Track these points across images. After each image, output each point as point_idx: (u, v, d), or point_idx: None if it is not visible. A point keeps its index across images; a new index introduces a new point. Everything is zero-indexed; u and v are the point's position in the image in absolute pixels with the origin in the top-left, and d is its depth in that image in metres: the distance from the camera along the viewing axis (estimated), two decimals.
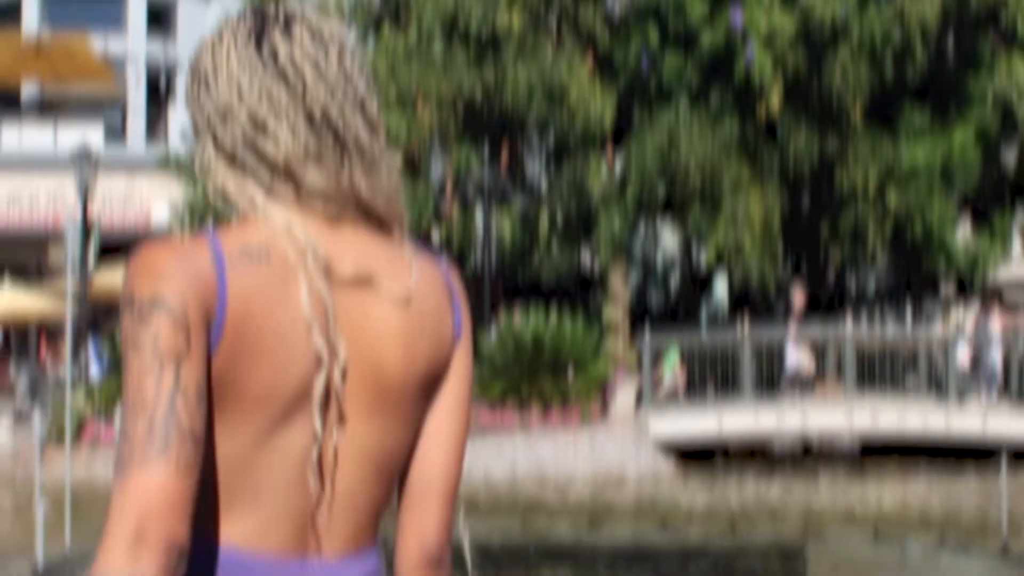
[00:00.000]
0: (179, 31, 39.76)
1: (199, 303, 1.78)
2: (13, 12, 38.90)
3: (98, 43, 35.51)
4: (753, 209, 24.70)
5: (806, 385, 24.08)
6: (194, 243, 1.83)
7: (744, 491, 19.44)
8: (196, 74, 1.95)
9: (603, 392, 23.57)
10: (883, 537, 13.81)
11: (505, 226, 25.43)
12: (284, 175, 1.89)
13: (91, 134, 30.49)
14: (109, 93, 37.68)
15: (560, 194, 25.41)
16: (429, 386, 1.95)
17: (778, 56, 24.73)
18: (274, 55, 1.89)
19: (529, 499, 17.92)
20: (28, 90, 38.83)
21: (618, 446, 21.91)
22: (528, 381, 22.54)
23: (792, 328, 25.17)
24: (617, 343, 24.26)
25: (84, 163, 26.42)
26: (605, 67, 26.89)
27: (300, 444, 1.85)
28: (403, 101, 25.86)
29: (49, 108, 37.71)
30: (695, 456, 22.48)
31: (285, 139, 1.88)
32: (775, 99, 24.85)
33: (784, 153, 25.58)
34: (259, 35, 1.91)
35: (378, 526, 1.97)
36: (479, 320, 24.90)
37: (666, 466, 21.57)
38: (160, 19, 40.22)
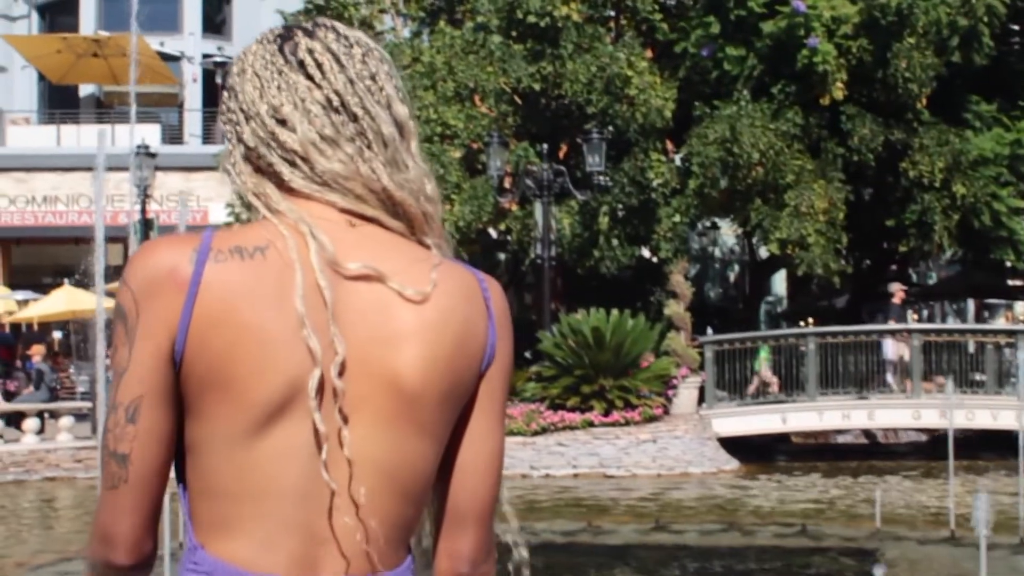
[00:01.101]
0: (234, 31, 39.86)
1: (157, 314, 1.81)
2: (70, 13, 39.08)
3: (154, 44, 35.55)
4: (817, 201, 24.29)
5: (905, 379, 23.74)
6: (181, 240, 1.85)
7: (811, 490, 19.10)
8: (228, 84, 2.00)
9: (666, 390, 23.27)
10: (961, 537, 13.40)
11: (564, 221, 25.16)
12: (301, 161, 1.91)
13: (148, 134, 30.45)
14: (166, 93, 37.76)
15: (620, 188, 25.10)
16: (452, 399, 1.91)
17: (842, 45, 24.32)
18: (294, 51, 1.94)
19: (592, 498, 17.64)
20: (86, 91, 39.02)
21: (681, 444, 21.63)
22: (589, 379, 22.25)
23: (892, 322, 25.00)
24: (679, 340, 23.91)
25: (143, 163, 26.42)
26: (665, 58, 26.60)
27: (297, 448, 1.82)
28: (460, 96, 25.65)
29: (106, 109, 37.83)
30: (759, 455, 22.19)
31: (302, 124, 1.90)
32: (839, 89, 24.46)
33: (848, 144, 25.15)
34: (284, 39, 1.96)
35: (403, 543, 1.92)
36: (538, 317, 24.66)
37: (730, 464, 21.26)
38: (215, 19, 40.31)
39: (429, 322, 1.87)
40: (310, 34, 1.96)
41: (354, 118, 1.92)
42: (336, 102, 1.91)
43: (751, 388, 23.89)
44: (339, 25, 2.01)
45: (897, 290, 26.27)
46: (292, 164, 1.92)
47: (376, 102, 1.94)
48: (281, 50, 1.95)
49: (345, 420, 1.83)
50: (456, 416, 1.94)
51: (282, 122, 1.91)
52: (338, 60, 1.93)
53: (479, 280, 1.97)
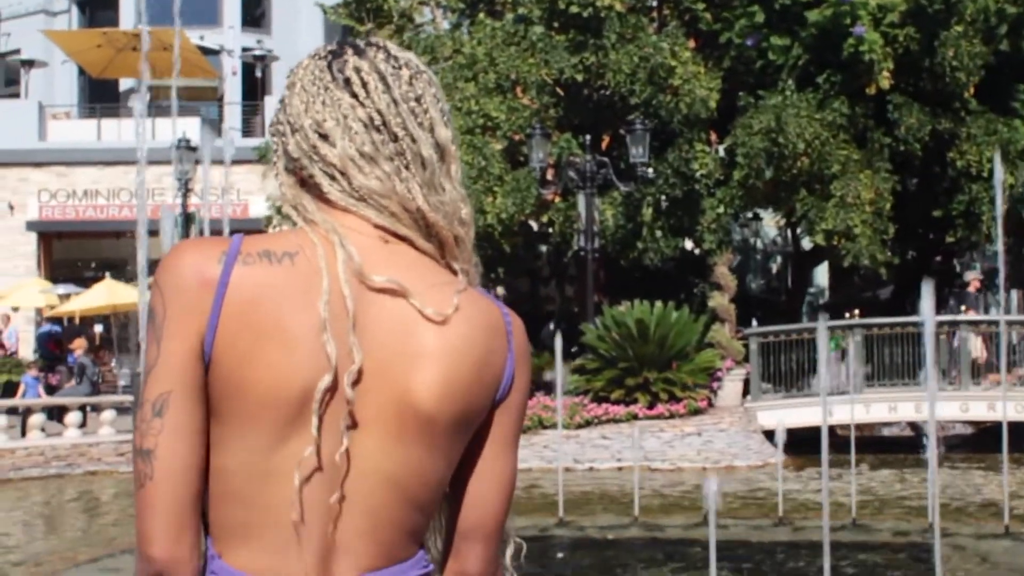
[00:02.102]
0: (274, 24, 39.82)
1: (184, 313, 1.84)
2: (110, 8, 39.12)
3: (194, 37, 35.52)
4: (863, 192, 24.00)
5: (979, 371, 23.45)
6: (210, 243, 1.89)
7: (858, 483, 18.83)
8: (281, 96, 2.04)
9: (710, 382, 23.04)
10: (1017, 532, 13.17)
11: (607, 213, 24.97)
12: (340, 175, 1.94)
13: (188, 128, 30.42)
14: (205, 87, 37.74)
15: (664, 179, 24.88)
16: (464, 424, 1.94)
17: (888, 33, 24.01)
18: (342, 68, 1.97)
19: (636, 492, 17.43)
20: (126, 85, 39.04)
21: (726, 437, 21.40)
22: (634, 371, 22.06)
23: (970, 312, 24.74)
24: (724, 332, 23.69)
25: (183, 156, 26.41)
26: (709, 47, 26.35)
27: (314, 458, 1.85)
28: (502, 88, 25.49)
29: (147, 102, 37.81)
30: (805, 447, 21.92)
31: (342, 140, 1.93)
32: (885, 78, 24.16)
33: (894, 133, 24.85)
34: (335, 56, 1.99)
35: (414, 542, 1.96)
36: (581, 309, 24.49)
37: (775, 457, 20.98)
38: (255, 13, 40.27)
39: (450, 346, 1.90)
40: (360, 53, 2.00)
41: (394, 138, 1.95)
42: (378, 121, 1.94)
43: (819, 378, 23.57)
44: (392, 46, 2.04)
45: (973, 279, 26.00)
46: (332, 178, 1.95)
47: (418, 124, 1.97)
48: (330, 67, 1.98)
49: (354, 427, 1.86)
50: (468, 439, 1.98)
51: (324, 136, 1.94)
52: (384, 80, 1.96)
53: (503, 314, 2.00)
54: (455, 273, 1.99)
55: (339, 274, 1.87)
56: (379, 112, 1.95)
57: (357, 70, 1.97)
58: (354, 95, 1.95)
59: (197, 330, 1.84)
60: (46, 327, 29.92)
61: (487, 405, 1.97)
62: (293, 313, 1.85)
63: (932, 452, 12.37)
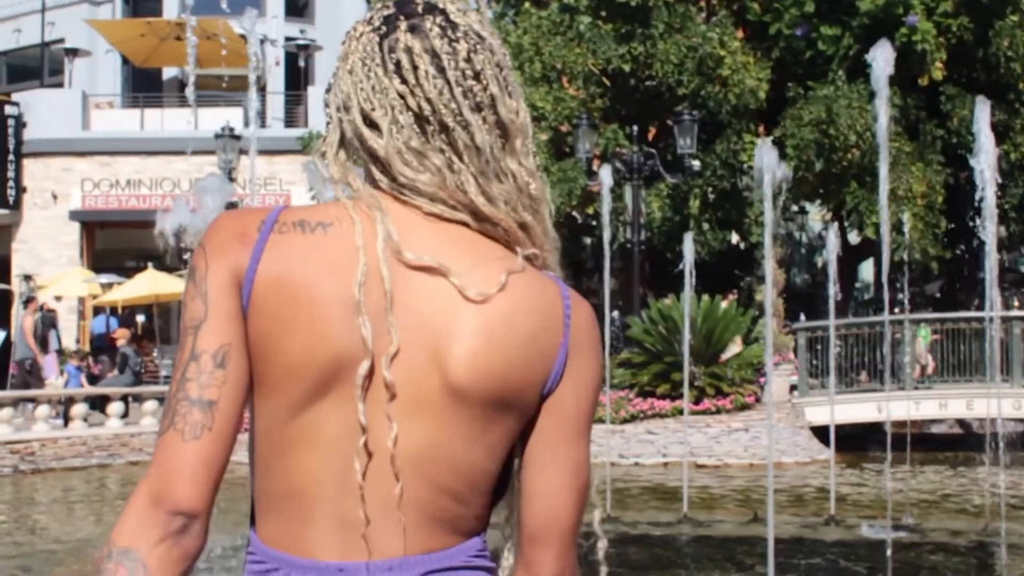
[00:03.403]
0: (317, 14, 39.77)
1: (226, 267, 1.83)
2: None
3: (237, 27, 35.47)
4: (915, 185, 23.64)
5: None
6: (253, 211, 1.89)
7: (908, 480, 18.55)
8: (336, 69, 1.97)
9: (758, 377, 22.76)
10: None
11: (654, 205, 24.71)
12: (384, 169, 1.89)
13: (231, 117, 30.39)
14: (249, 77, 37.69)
15: (712, 171, 24.59)
16: (501, 406, 1.86)
17: (941, 23, 23.63)
18: (392, 49, 1.87)
19: (683, 488, 17.21)
20: (169, 75, 39.07)
21: (774, 433, 21.10)
22: (680, 366, 21.78)
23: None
24: (772, 326, 23.39)
25: (227, 145, 26.37)
26: (758, 38, 26.01)
27: (334, 432, 1.83)
28: (548, 78, 25.27)
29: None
30: (851, 444, 21.63)
31: (389, 132, 1.86)
32: (938, 69, 23.80)
33: (947, 125, 24.47)
34: (387, 28, 1.89)
35: (444, 531, 1.89)
36: (625, 302, 24.24)
37: (823, 454, 20.70)
38: (298, 2, 40.23)
39: (487, 322, 1.83)
40: (414, 28, 1.89)
41: (445, 128, 1.87)
42: (428, 111, 1.86)
43: (916, 373, 23.28)
44: (451, 9, 1.92)
45: None
46: (379, 168, 1.91)
47: (476, 106, 1.88)
48: (381, 45, 1.89)
49: (392, 413, 1.82)
50: (513, 427, 1.90)
51: (372, 125, 1.89)
52: (438, 62, 1.87)
53: (563, 297, 1.92)
54: (515, 252, 1.91)
55: (377, 252, 1.83)
56: (429, 101, 1.86)
57: (408, 51, 1.87)
58: (404, 81, 1.86)
59: (239, 287, 1.83)
60: (101, 317, 29.92)
61: (533, 390, 1.88)
62: (321, 283, 1.82)
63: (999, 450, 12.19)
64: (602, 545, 2.18)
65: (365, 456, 1.83)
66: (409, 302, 1.84)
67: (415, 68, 1.86)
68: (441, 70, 1.86)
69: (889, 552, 11.51)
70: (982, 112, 14.28)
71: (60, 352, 25.51)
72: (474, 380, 1.83)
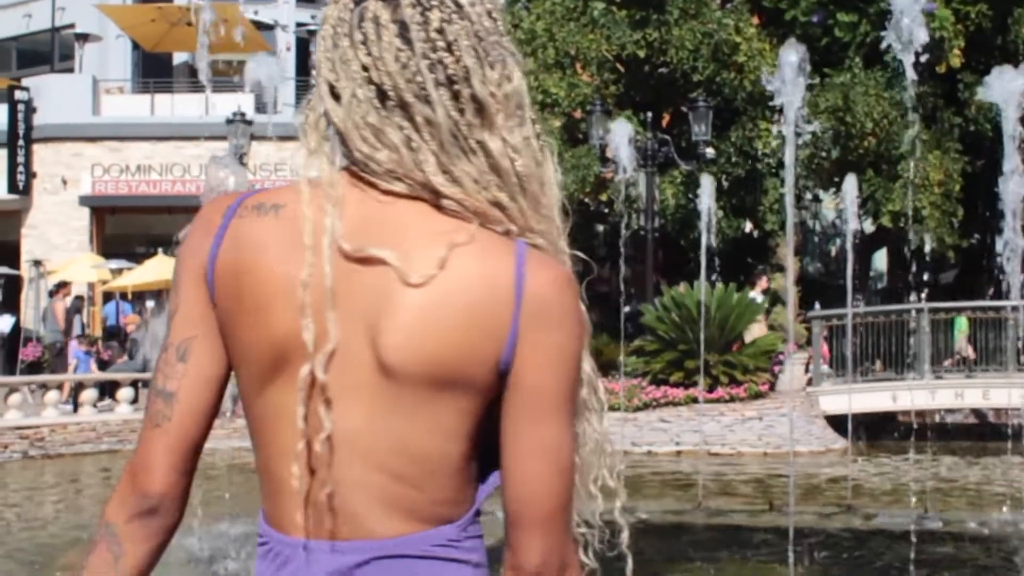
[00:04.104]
0: None
1: (196, 257, 1.89)
2: None
3: (248, 12, 35.33)
4: (932, 173, 23.45)
5: None
6: (223, 198, 1.91)
7: (924, 470, 18.41)
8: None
9: (772, 365, 22.60)
10: None
11: (667, 192, 24.54)
12: (344, 143, 1.87)
13: (242, 103, 30.27)
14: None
15: (726, 158, 24.41)
16: (441, 380, 1.80)
17: (960, 10, 23.43)
18: (361, 19, 1.84)
19: (697, 476, 17.09)
20: (180, 60, 38.97)
21: (788, 422, 20.97)
22: (693, 354, 21.63)
23: None
24: (786, 314, 23.21)
25: (239, 130, 26.27)
26: (774, 24, 25.80)
27: (288, 414, 1.84)
28: (561, 64, 25.10)
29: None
30: (868, 434, 21.49)
31: (345, 107, 1.84)
32: (956, 56, 23.59)
33: (964, 113, 24.27)
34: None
35: (403, 519, 1.85)
36: (638, 290, 24.09)
37: (838, 443, 20.56)
38: None
39: (422, 302, 1.80)
40: None
41: (403, 104, 1.82)
42: (388, 85, 1.82)
43: (948, 362, 23.12)
44: None
45: None
46: (341, 141, 1.89)
47: (443, 80, 1.81)
48: (353, 14, 1.85)
49: (328, 403, 1.82)
50: (469, 407, 1.84)
51: (337, 97, 1.86)
52: (405, 32, 1.81)
53: (517, 266, 1.83)
54: (467, 222, 1.85)
55: (323, 248, 1.81)
56: (389, 75, 1.81)
57: (375, 21, 1.83)
58: (369, 53, 1.83)
59: (204, 279, 1.88)
60: (112, 304, 29.87)
61: (481, 367, 1.82)
62: (268, 269, 1.84)
63: None
64: (625, 536, 2.08)
65: (303, 441, 1.84)
66: (352, 291, 1.82)
67: (379, 40, 1.82)
68: (408, 42, 1.81)
69: (913, 541, 11.39)
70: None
71: (82, 337, 25.46)
72: (406, 359, 1.80)
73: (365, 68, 1.83)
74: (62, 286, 28.75)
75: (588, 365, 1.98)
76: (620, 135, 21.79)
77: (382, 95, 1.82)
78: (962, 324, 23.27)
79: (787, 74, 12.50)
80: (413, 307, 1.80)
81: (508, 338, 1.81)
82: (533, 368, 1.83)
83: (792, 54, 13.09)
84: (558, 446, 1.85)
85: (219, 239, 1.87)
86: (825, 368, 23.07)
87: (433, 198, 1.84)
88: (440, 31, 1.82)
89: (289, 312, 1.82)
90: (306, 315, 1.80)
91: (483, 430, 1.89)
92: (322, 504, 1.85)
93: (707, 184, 22.03)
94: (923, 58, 18.59)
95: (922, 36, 13.98)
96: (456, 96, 1.82)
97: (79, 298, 29.08)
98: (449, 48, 1.82)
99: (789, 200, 12.42)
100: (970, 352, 23.19)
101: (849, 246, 19.71)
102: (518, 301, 1.81)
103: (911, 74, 13.19)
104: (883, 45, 17.34)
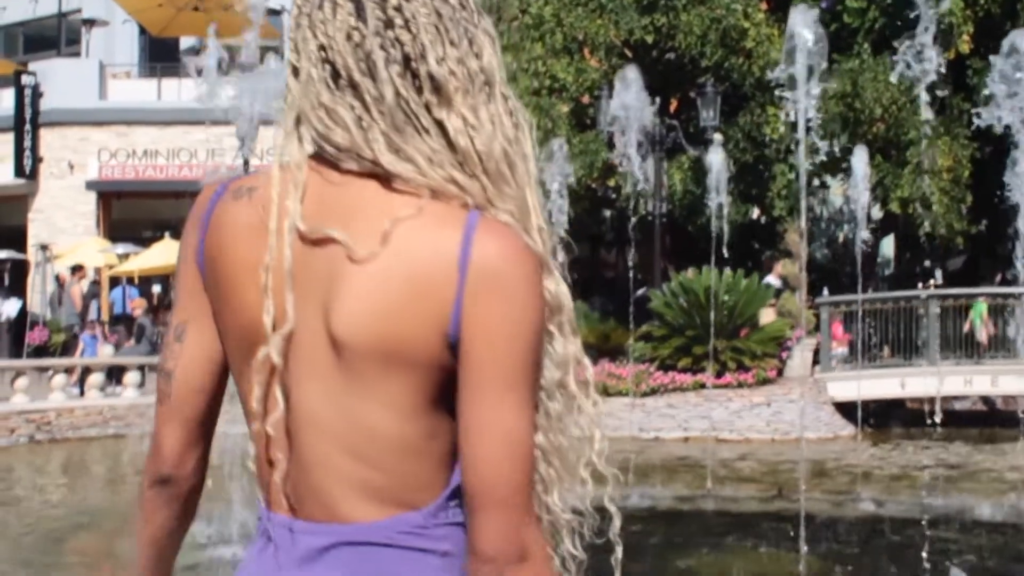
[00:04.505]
0: None
1: (189, 242, 1.96)
2: None
3: None
4: (941, 159, 23.35)
5: None
6: (214, 183, 1.97)
7: (934, 457, 18.38)
8: None
9: (780, 351, 22.54)
10: None
11: (675, 177, 24.46)
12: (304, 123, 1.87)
13: None
14: (268, 47, 37.48)
15: (734, 143, 24.32)
16: (389, 353, 1.79)
17: None
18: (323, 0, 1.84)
19: (705, 463, 17.05)
20: (186, 45, 38.91)
21: (796, 408, 20.92)
22: (701, 339, 21.58)
23: None
24: (794, 300, 23.16)
25: (245, 116, 26.17)
26: (783, 9, 25.66)
27: (253, 395, 1.88)
28: (569, 49, 25.01)
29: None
30: (875, 420, 21.44)
31: (300, 87, 1.85)
32: (965, 42, 23.48)
33: (974, 99, 24.15)
34: None
35: (368, 501, 1.83)
36: (645, 275, 24.02)
37: (846, 430, 20.51)
38: None
39: (366, 277, 1.80)
40: None
41: (353, 83, 1.82)
42: (340, 64, 1.82)
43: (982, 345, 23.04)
44: None
45: None
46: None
47: (399, 59, 1.81)
48: None
49: (284, 385, 1.85)
50: (419, 383, 1.81)
51: (295, 74, 1.89)
52: (360, 12, 1.82)
53: (464, 237, 1.79)
54: (417, 196, 1.84)
55: (284, 229, 1.84)
56: (340, 54, 1.82)
57: (334, 1, 1.84)
58: (325, 33, 1.83)
59: (196, 263, 1.95)
60: (119, 288, 29.85)
61: (426, 341, 1.78)
62: (239, 252, 1.88)
63: None
64: (616, 523, 2.03)
65: (258, 422, 1.89)
66: (309, 272, 1.83)
67: (334, 18, 1.82)
68: (363, 20, 1.81)
69: (923, 527, 11.35)
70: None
71: (98, 322, 25.43)
72: (354, 336, 1.79)
73: (321, 48, 1.83)
74: (78, 269, 28.79)
75: (569, 346, 1.93)
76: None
77: (335, 74, 1.83)
78: (981, 310, 23.16)
79: (797, 22, 12.36)
80: (359, 283, 1.80)
81: (453, 310, 1.78)
82: (480, 342, 1.78)
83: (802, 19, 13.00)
84: (509, 427, 1.78)
85: (206, 224, 1.93)
86: (843, 351, 22.94)
87: (387, 176, 1.83)
88: (398, 8, 1.81)
89: (255, 295, 1.86)
90: (267, 297, 1.84)
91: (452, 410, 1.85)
92: (297, 485, 1.87)
93: (717, 162, 21.93)
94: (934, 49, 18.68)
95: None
96: (415, 74, 1.81)
97: (95, 283, 29.10)
98: (407, 26, 1.81)
99: (802, 162, 12.32)
100: (990, 332, 23.07)
101: (861, 215, 19.56)
102: (463, 272, 1.77)
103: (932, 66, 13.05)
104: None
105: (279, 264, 1.84)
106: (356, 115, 1.82)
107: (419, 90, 1.82)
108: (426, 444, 1.85)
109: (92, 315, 26.29)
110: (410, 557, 1.84)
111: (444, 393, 1.84)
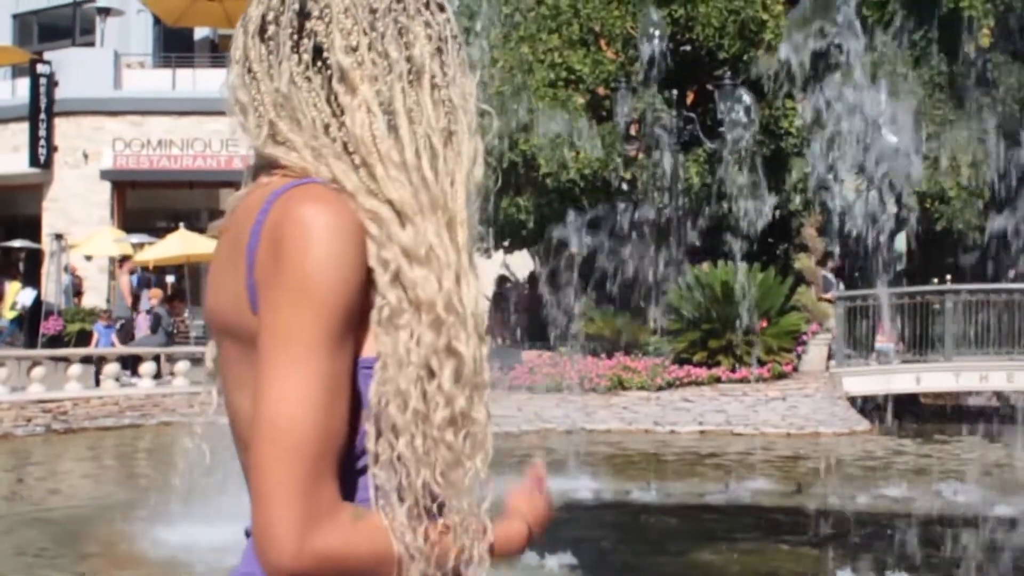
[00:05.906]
0: None
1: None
2: None
3: None
4: (960, 154, 23.25)
5: None
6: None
7: (950, 452, 18.33)
8: None
9: (795, 346, 22.48)
10: None
11: (692, 170, 24.38)
12: None
13: None
14: None
15: (752, 137, 24.23)
16: (229, 339, 1.78)
17: None
18: None
19: (719, 456, 17.02)
20: (201, 35, 38.90)
21: (811, 403, 20.88)
22: (717, 333, 21.53)
23: None
24: (810, 295, 23.10)
25: None
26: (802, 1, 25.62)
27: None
28: (586, 40, 24.93)
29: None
30: (891, 415, 21.39)
31: (237, 86, 1.85)
32: (985, 36, 23.38)
33: (993, 94, 24.06)
34: None
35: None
36: (665, 269, 23.96)
37: (861, 425, 20.45)
38: None
39: (215, 259, 1.83)
40: None
41: (254, 75, 1.81)
42: (251, 58, 1.82)
43: None
44: None
45: None
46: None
47: (307, 49, 1.78)
48: None
49: (213, 376, 1.90)
50: (251, 362, 1.68)
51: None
52: (279, 4, 1.81)
53: (266, 200, 1.72)
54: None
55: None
56: (246, 48, 1.83)
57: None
58: (245, 31, 1.84)
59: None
60: (134, 278, 29.92)
61: (241, 314, 1.71)
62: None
63: None
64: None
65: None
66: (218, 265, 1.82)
67: (254, 16, 1.83)
68: (279, 12, 1.80)
69: (940, 522, 11.30)
70: None
71: (149, 312, 25.37)
72: (208, 318, 1.84)
73: (243, 47, 1.84)
74: (125, 259, 28.87)
75: (439, 341, 1.73)
76: None
77: (249, 69, 1.83)
78: None
79: None
80: (212, 266, 1.83)
81: (247, 276, 1.70)
82: (261, 308, 1.67)
83: None
84: (270, 402, 1.61)
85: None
86: (889, 346, 22.80)
87: (275, 164, 1.82)
88: (300, 2, 1.80)
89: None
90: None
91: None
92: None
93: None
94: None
95: None
96: (326, 64, 1.78)
97: (146, 272, 29.16)
98: (321, 16, 1.78)
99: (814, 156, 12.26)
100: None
101: (878, 209, 19.45)
102: (253, 238, 1.70)
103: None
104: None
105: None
106: (255, 106, 1.82)
107: (330, 79, 1.78)
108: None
109: (144, 305, 26.26)
110: None
111: None
